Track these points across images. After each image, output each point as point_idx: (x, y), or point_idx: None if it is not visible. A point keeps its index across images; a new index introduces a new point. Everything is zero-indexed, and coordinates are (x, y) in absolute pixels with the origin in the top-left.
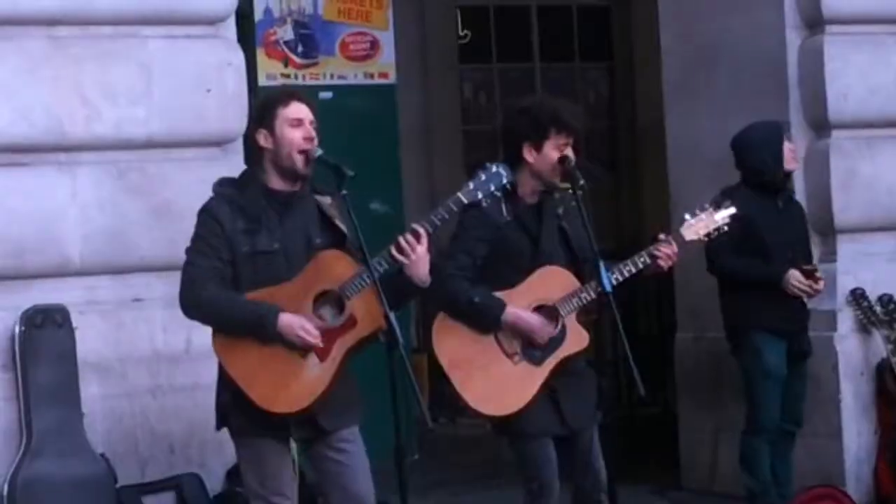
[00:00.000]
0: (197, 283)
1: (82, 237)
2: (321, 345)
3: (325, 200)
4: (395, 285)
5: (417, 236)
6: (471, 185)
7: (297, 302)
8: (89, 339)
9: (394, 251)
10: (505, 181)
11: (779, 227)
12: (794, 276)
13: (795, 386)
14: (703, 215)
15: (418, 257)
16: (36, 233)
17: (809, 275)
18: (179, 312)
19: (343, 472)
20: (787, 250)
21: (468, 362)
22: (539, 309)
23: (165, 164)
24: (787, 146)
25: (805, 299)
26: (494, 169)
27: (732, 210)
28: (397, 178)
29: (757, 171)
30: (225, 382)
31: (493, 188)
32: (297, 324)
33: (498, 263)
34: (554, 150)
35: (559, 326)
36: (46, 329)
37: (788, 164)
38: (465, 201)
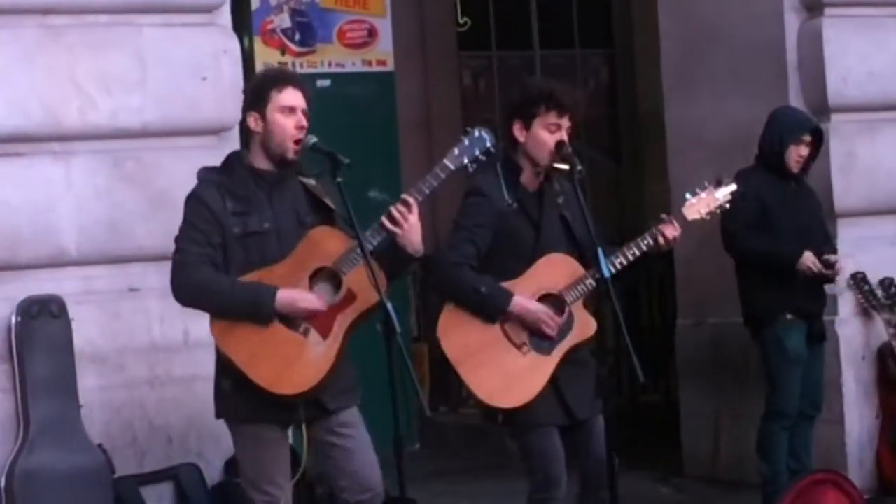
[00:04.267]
0: (188, 268)
1: (78, 227)
2: (325, 308)
3: (310, 182)
4: (391, 256)
5: (408, 206)
6: (456, 151)
7: (293, 281)
8: (86, 330)
9: (385, 221)
10: (489, 145)
11: (790, 210)
12: (809, 258)
13: (814, 370)
14: (703, 194)
15: (410, 226)
16: (31, 223)
17: (826, 264)
18: (176, 303)
19: (348, 457)
20: (798, 234)
21: (476, 355)
22: (545, 298)
23: (161, 153)
24: (795, 148)
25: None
26: (477, 133)
27: (733, 187)
28: (396, 165)
29: (761, 146)
30: (225, 369)
31: (477, 152)
32: (297, 298)
33: (500, 250)
34: (543, 129)
35: (566, 315)
36: (43, 320)
37: (790, 163)
38: (452, 167)
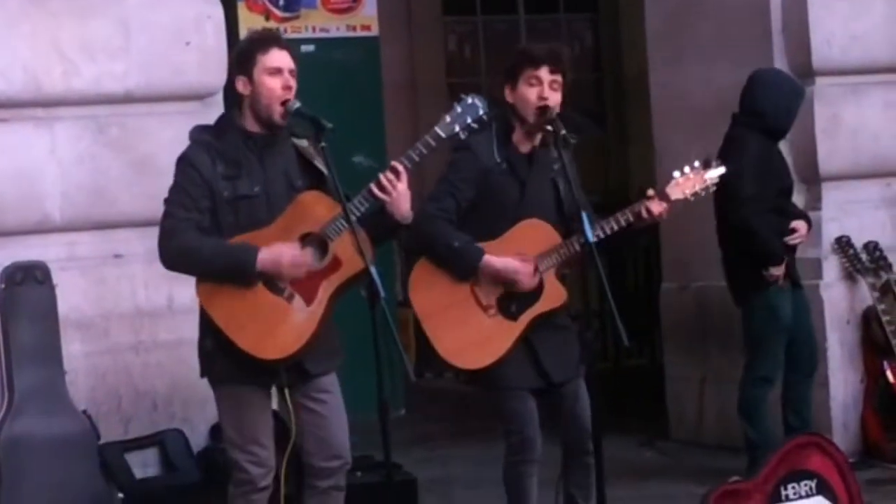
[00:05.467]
0: (175, 232)
1: (62, 193)
2: (308, 267)
3: (303, 143)
4: (378, 223)
5: (397, 173)
6: (447, 119)
7: None
8: (70, 296)
9: (374, 189)
10: (482, 112)
11: (776, 172)
12: (780, 270)
13: (804, 327)
14: (691, 174)
15: (399, 194)
16: (15, 189)
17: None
18: (161, 268)
19: (320, 423)
20: (782, 193)
21: (442, 313)
22: None
23: (145, 119)
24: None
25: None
26: (470, 100)
27: (722, 170)
28: (381, 131)
29: (762, 113)
30: (208, 329)
31: (469, 120)
32: (279, 258)
33: (483, 208)
34: (525, 84)
35: (537, 281)
36: (27, 286)
37: (789, 127)
38: (443, 135)
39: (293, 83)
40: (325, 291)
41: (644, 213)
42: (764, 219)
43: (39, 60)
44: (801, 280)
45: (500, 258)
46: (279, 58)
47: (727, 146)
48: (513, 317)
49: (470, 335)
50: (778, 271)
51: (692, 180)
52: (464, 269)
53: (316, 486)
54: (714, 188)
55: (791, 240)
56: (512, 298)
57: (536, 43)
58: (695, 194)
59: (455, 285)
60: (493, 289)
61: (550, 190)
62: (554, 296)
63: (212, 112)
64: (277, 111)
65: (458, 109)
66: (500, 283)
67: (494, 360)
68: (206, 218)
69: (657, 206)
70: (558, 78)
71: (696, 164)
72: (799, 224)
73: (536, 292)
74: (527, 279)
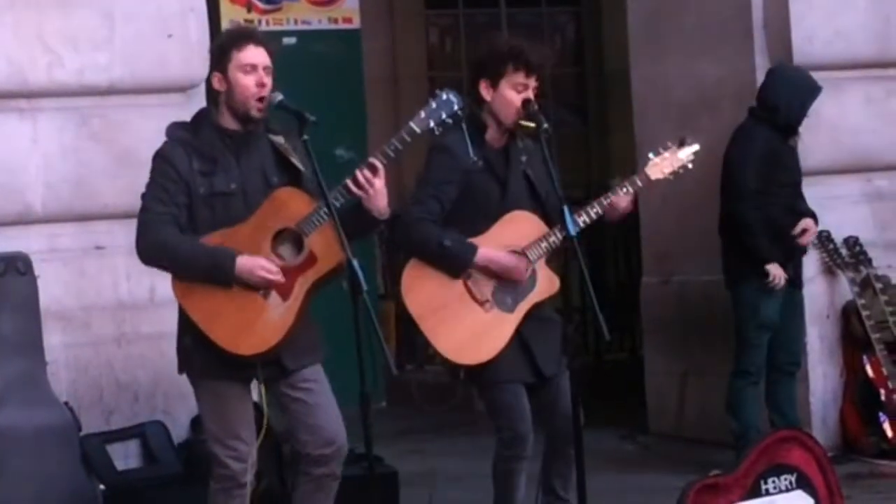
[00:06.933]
0: (152, 228)
1: (44, 184)
2: (283, 280)
3: (279, 139)
4: (355, 219)
5: (374, 170)
6: (422, 114)
7: (256, 242)
8: (52, 288)
9: (351, 185)
10: (456, 108)
11: (788, 168)
12: (780, 274)
13: (791, 327)
14: (666, 154)
15: (376, 191)
16: None
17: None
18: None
19: (309, 411)
20: (791, 189)
21: (438, 311)
22: None
23: (128, 111)
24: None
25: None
26: (445, 96)
27: (696, 147)
28: (362, 124)
29: (776, 107)
30: (186, 325)
31: (444, 116)
32: (255, 265)
33: (464, 208)
34: (510, 88)
35: (529, 272)
36: (9, 277)
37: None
38: (418, 130)
39: (268, 80)
40: (300, 287)
41: (608, 208)
42: (765, 214)
43: (23, 51)
44: (799, 281)
45: (495, 252)
46: (254, 54)
47: (737, 135)
48: (509, 308)
49: (470, 331)
50: (777, 271)
51: (668, 160)
52: (458, 266)
53: (309, 473)
54: (691, 166)
55: (804, 240)
56: (507, 291)
57: (518, 37)
58: (673, 173)
59: (448, 283)
60: (487, 282)
61: (525, 183)
62: (548, 284)
63: (194, 104)
64: (254, 107)
65: (433, 105)
66: (493, 276)
67: (497, 353)
68: (183, 214)
69: (622, 200)
70: (538, 83)
71: (670, 144)
72: (808, 223)
73: (530, 282)
74: (523, 276)
